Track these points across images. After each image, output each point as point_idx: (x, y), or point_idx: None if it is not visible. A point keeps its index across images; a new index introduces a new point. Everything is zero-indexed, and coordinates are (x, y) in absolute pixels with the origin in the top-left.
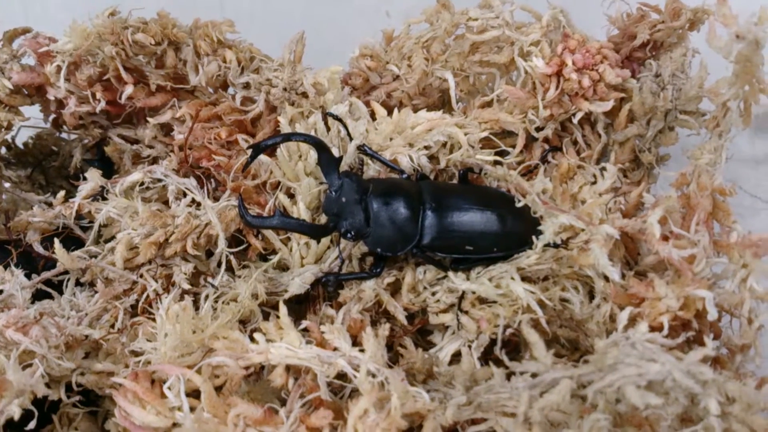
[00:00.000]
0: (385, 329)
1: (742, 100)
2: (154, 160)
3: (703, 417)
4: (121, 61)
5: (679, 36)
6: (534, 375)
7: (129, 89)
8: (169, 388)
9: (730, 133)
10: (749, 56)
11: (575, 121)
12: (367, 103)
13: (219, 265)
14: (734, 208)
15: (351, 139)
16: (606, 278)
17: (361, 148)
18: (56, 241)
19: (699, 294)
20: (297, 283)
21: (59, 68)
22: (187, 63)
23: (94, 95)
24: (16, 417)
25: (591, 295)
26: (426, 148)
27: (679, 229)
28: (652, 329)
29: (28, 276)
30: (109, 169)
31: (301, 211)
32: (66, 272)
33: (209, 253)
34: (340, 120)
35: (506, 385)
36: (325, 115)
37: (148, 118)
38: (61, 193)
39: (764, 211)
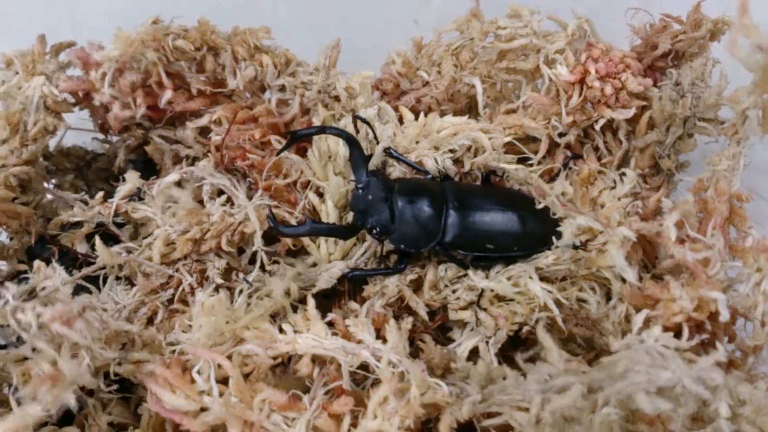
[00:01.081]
0: (407, 323)
1: (761, 109)
2: (193, 160)
3: (714, 418)
4: (163, 66)
5: (701, 46)
6: (547, 377)
7: (168, 94)
8: (198, 373)
9: (749, 140)
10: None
11: (597, 127)
12: (397, 108)
13: (252, 262)
14: (753, 216)
15: (378, 141)
16: (623, 280)
17: (387, 151)
18: (97, 238)
19: (712, 295)
20: (325, 278)
21: (104, 75)
22: (225, 67)
23: (135, 100)
24: (73, 406)
25: (608, 297)
26: (451, 151)
27: (695, 233)
28: (666, 330)
29: (69, 272)
30: (152, 169)
31: (329, 208)
32: (103, 268)
33: (240, 251)
34: (368, 123)
35: (519, 387)
36: (355, 118)
37: (187, 122)
38: (100, 194)
39: None
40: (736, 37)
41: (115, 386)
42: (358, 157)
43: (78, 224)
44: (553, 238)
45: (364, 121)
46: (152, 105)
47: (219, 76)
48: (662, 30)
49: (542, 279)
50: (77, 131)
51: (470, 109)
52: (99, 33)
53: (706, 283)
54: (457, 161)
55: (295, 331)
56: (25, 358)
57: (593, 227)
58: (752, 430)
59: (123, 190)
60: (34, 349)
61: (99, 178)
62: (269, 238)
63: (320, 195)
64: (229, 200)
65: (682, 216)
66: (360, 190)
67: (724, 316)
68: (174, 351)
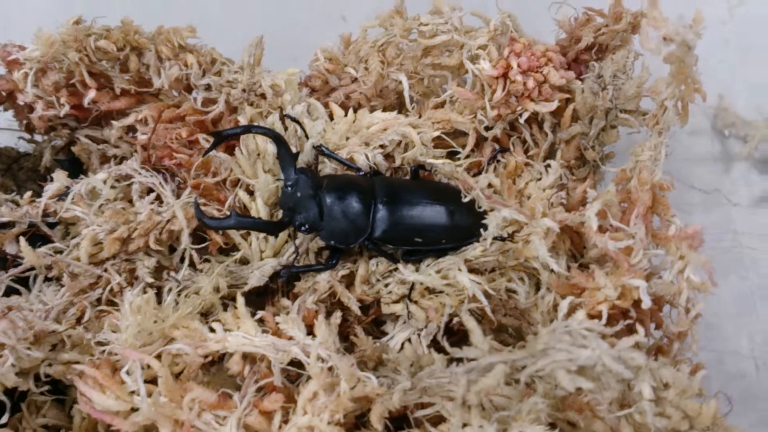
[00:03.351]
0: (337, 317)
1: (679, 99)
2: (120, 160)
3: (638, 401)
4: (86, 66)
5: (623, 39)
6: (472, 359)
7: (92, 94)
8: (127, 373)
9: (671, 130)
10: (681, 57)
11: (522, 120)
12: (327, 104)
13: (182, 260)
14: (679, 204)
15: (307, 138)
16: (551, 270)
17: (318, 148)
18: (22, 239)
19: (634, 283)
20: (256, 275)
21: (26, 75)
22: (150, 67)
23: (59, 100)
24: None
25: (537, 287)
26: (381, 147)
27: (617, 222)
28: (592, 318)
29: None
30: (79, 169)
31: (259, 206)
32: (33, 269)
33: (171, 249)
34: (296, 121)
35: (446, 371)
36: (283, 116)
37: (113, 121)
38: (28, 193)
39: (714, 209)
40: (647, 30)
41: (46, 387)
42: (285, 154)
43: (8, 225)
44: (482, 230)
45: (293, 119)
46: (77, 104)
47: (144, 76)
48: (585, 23)
49: (471, 271)
50: (9, 131)
51: (400, 105)
52: (29, 33)
53: (628, 272)
54: (388, 156)
55: (226, 330)
56: None
57: (518, 219)
58: (676, 413)
59: (51, 189)
60: None
61: (29, 178)
62: (200, 237)
63: (250, 193)
64: (158, 199)
65: (604, 206)
66: (289, 188)
67: (646, 302)
68: (104, 351)
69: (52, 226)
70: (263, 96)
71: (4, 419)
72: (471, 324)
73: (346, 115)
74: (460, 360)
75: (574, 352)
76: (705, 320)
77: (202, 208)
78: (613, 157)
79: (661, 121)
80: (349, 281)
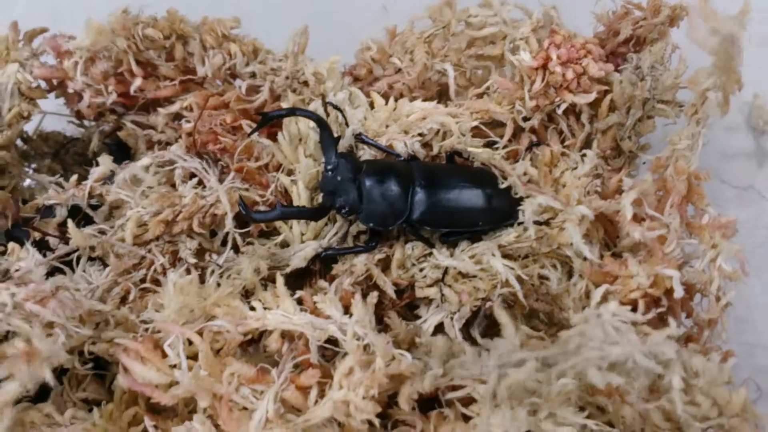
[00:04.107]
0: (373, 297)
1: (721, 90)
2: (165, 145)
3: (668, 390)
4: (133, 54)
5: (660, 32)
6: (504, 353)
7: (138, 81)
8: (170, 347)
9: (708, 120)
10: (727, 49)
11: (560, 111)
12: (368, 94)
13: (224, 243)
14: (711, 199)
15: (348, 125)
16: (584, 258)
17: (358, 137)
18: (69, 221)
19: (667, 273)
20: (298, 257)
21: (76, 63)
22: (194, 56)
23: (107, 88)
24: (51, 382)
25: (569, 275)
26: (420, 135)
27: (652, 211)
28: (624, 305)
29: (43, 254)
30: (126, 153)
31: (300, 190)
32: (77, 250)
33: (212, 233)
34: (338, 108)
35: (477, 362)
36: (325, 104)
37: (159, 108)
38: (74, 177)
39: (747, 204)
40: (695, 22)
41: (90, 365)
42: (327, 139)
43: (52, 210)
44: (519, 214)
45: (335, 106)
46: (124, 92)
47: (189, 65)
48: (624, 16)
49: (505, 256)
50: (57, 116)
51: (440, 96)
52: (77, 24)
53: (662, 261)
54: (426, 145)
55: (265, 308)
56: (2, 339)
57: (554, 206)
58: (706, 401)
59: (96, 172)
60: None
61: (76, 162)
62: (242, 220)
63: (291, 177)
64: (201, 184)
65: (640, 194)
66: (329, 172)
67: (678, 292)
68: (147, 329)
69: (94, 208)
70: (306, 83)
71: (51, 397)
72: (504, 318)
73: (386, 104)
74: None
75: (606, 350)
76: (737, 313)
77: (245, 194)
78: (649, 147)
79: (700, 111)
80: (384, 265)
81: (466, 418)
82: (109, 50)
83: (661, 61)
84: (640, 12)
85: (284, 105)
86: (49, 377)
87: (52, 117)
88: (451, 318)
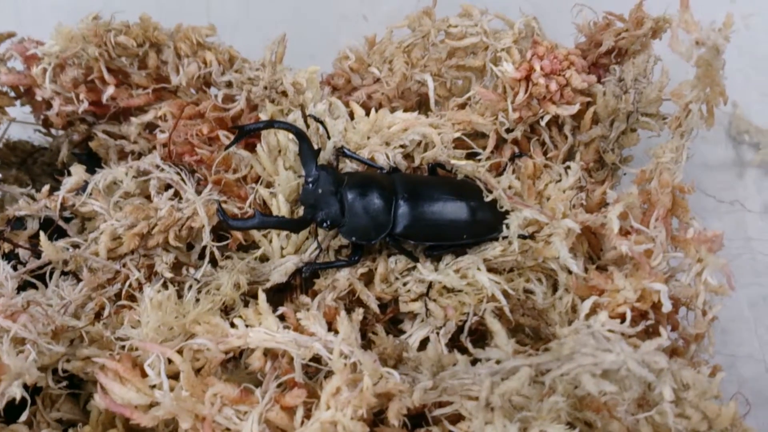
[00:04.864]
0: (358, 314)
1: (704, 102)
2: (138, 156)
3: (658, 402)
4: (105, 62)
5: (643, 43)
6: (496, 362)
7: (111, 90)
8: (149, 367)
9: (692, 133)
10: (710, 61)
11: (543, 123)
12: (347, 104)
13: (202, 257)
14: (693, 209)
15: (329, 137)
16: (569, 271)
17: (339, 150)
18: (41, 233)
19: (655, 287)
20: (279, 272)
21: (45, 70)
22: (168, 64)
23: (78, 96)
24: (18, 397)
25: (555, 288)
26: (402, 146)
27: (638, 225)
28: (611, 318)
29: (14, 267)
30: (97, 164)
31: (280, 203)
32: (49, 263)
33: (189, 246)
34: (320, 122)
35: (470, 372)
36: (305, 116)
37: (132, 118)
38: (46, 187)
39: (727, 215)
40: (677, 33)
41: (64, 383)
42: (307, 151)
43: (22, 224)
44: (503, 228)
45: (317, 119)
46: (95, 101)
47: (162, 73)
48: (605, 28)
49: (490, 270)
50: (23, 124)
51: (420, 106)
52: (42, 27)
53: (649, 275)
54: (408, 156)
55: (247, 325)
56: None
57: (540, 219)
58: (696, 414)
59: (69, 183)
60: None
61: (44, 172)
62: (219, 233)
63: (271, 189)
64: (177, 195)
65: (626, 208)
66: (310, 185)
67: (666, 306)
68: (123, 347)
69: (67, 220)
70: (284, 93)
71: (24, 416)
72: (495, 326)
73: (367, 114)
74: (476, 359)
75: (600, 356)
76: (720, 324)
77: (224, 206)
78: (632, 160)
79: (684, 124)
80: (368, 279)
81: None
82: (79, 57)
83: (644, 74)
84: (622, 23)
85: (262, 115)
86: (20, 395)
87: (17, 125)
88: (437, 333)
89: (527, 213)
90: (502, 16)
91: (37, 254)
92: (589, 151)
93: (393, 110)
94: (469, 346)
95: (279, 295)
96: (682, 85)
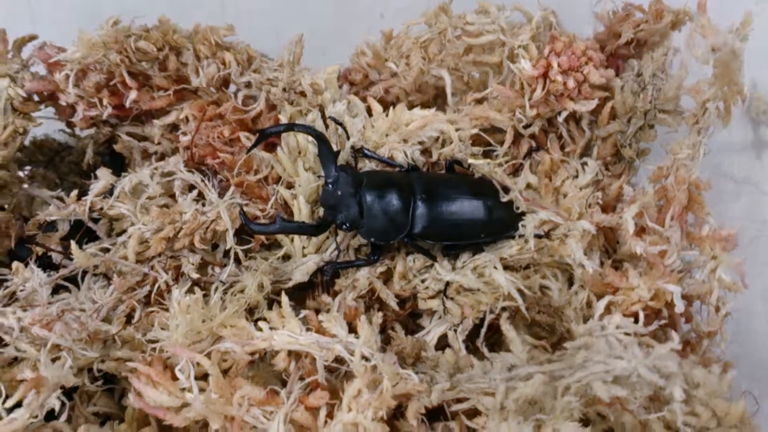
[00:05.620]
0: (378, 317)
1: (722, 100)
2: (162, 156)
3: (669, 400)
4: (126, 67)
5: (662, 35)
6: (511, 366)
7: (133, 94)
8: (180, 371)
9: (709, 129)
10: (727, 62)
11: (561, 119)
12: (365, 99)
13: (227, 255)
14: (717, 192)
15: (348, 137)
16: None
17: (359, 151)
18: (72, 243)
19: (668, 288)
20: (300, 272)
21: (68, 76)
22: (188, 66)
23: (101, 101)
24: (57, 408)
25: (570, 282)
26: (420, 143)
27: (653, 224)
28: (626, 316)
29: (47, 272)
30: (121, 164)
31: (300, 204)
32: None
33: (214, 246)
34: (340, 123)
35: (485, 377)
36: (325, 117)
37: (154, 120)
38: (74, 192)
39: (745, 196)
40: (694, 36)
41: (100, 381)
42: (326, 153)
43: (53, 226)
44: (520, 227)
45: (337, 122)
46: (118, 104)
47: (182, 73)
48: (625, 18)
49: (507, 268)
50: (46, 119)
51: (437, 100)
52: (58, 26)
53: (663, 275)
54: (426, 152)
55: (271, 328)
56: (12, 361)
57: (555, 221)
58: (705, 412)
59: (96, 187)
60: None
61: (71, 171)
62: (243, 234)
63: (291, 187)
64: (201, 195)
65: (642, 208)
66: (329, 186)
67: (679, 307)
68: (154, 349)
69: (95, 221)
70: (303, 94)
71: (63, 417)
72: (511, 333)
73: (384, 110)
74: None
75: (611, 364)
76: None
77: (246, 208)
78: (649, 153)
79: (701, 121)
80: (386, 277)
81: (471, 431)
82: (100, 63)
83: (663, 68)
84: (641, 14)
85: (281, 116)
86: (57, 405)
87: (42, 120)
88: (455, 330)
89: (543, 215)
90: (521, 8)
91: (69, 256)
92: (606, 146)
93: (410, 104)
94: (485, 350)
95: (302, 292)
96: (700, 82)
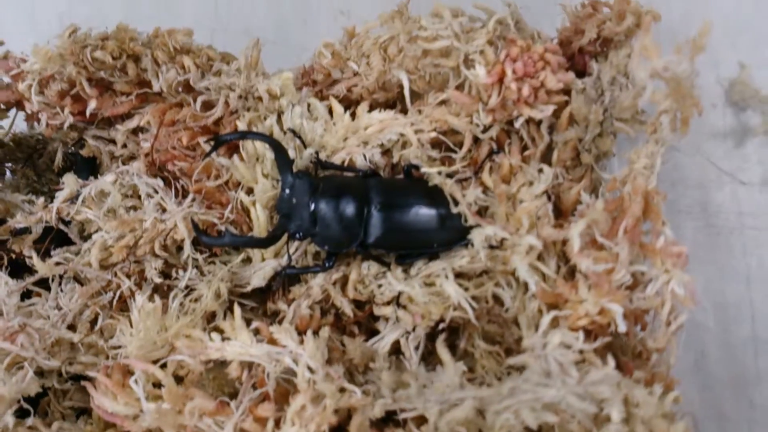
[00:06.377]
0: (325, 331)
1: (677, 112)
2: (129, 158)
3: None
4: (87, 75)
5: (627, 34)
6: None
7: (93, 104)
8: (135, 381)
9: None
10: (679, 80)
11: (518, 124)
12: (328, 97)
13: (185, 266)
14: (696, 178)
15: (306, 147)
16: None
17: (315, 162)
18: (33, 254)
19: (612, 308)
20: (258, 277)
21: (30, 86)
22: (147, 71)
23: (63, 109)
24: (11, 425)
25: (526, 288)
26: (380, 145)
27: (602, 239)
28: (574, 330)
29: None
30: (94, 163)
31: (258, 212)
32: None
33: (179, 248)
34: (296, 134)
35: (420, 398)
36: (282, 124)
37: (117, 125)
38: (41, 200)
39: (728, 185)
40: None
41: (69, 383)
42: (282, 160)
43: (25, 230)
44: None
45: (294, 133)
46: (82, 110)
47: (144, 78)
48: (590, 16)
49: (461, 275)
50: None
51: (402, 97)
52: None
53: (608, 293)
54: (387, 152)
55: (224, 338)
56: None
57: (502, 236)
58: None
59: (61, 195)
60: None
61: (48, 168)
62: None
63: (251, 196)
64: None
65: (590, 223)
66: (285, 193)
67: (621, 328)
68: (116, 355)
69: (67, 223)
70: (260, 99)
71: (29, 422)
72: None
73: (347, 110)
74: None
75: (540, 392)
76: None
77: (204, 216)
78: (612, 155)
79: (659, 131)
80: (343, 283)
81: None
82: (60, 73)
83: (624, 72)
84: (608, 10)
85: (239, 123)
86: (11, 423)
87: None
88: (406, 338)
89: (490, 230)
90: (482, 6)
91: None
92: (566, 150)
93: (375, 102)
94: (444, 354)
95: (264, 294)
96: (656, 93)
